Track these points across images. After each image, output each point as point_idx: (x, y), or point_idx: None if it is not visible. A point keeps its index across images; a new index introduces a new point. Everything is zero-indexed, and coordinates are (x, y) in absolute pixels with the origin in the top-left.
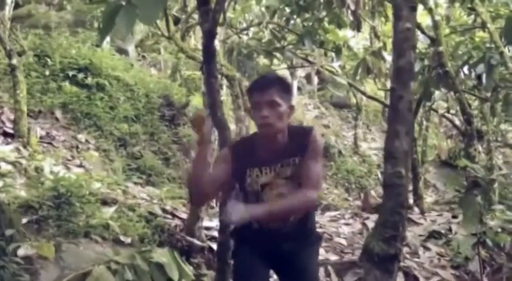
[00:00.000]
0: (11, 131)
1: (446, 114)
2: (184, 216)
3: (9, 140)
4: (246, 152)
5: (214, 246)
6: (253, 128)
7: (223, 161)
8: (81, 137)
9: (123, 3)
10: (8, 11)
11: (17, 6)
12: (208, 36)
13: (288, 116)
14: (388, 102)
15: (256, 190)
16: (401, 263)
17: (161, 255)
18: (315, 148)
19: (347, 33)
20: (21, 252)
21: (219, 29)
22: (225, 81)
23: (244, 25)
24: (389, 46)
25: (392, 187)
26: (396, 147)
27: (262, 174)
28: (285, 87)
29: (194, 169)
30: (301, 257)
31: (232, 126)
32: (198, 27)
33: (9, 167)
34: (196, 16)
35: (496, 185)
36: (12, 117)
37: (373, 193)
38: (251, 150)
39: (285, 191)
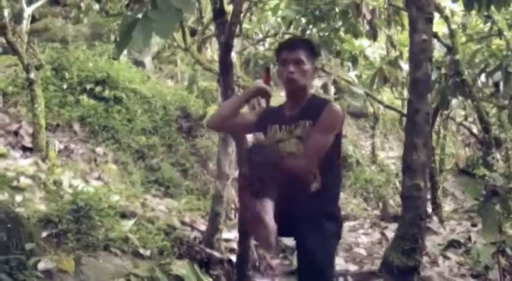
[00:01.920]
0: (30, 145)
1: (464, 122)
2: (203, 228)
3: (28, 154)
4: (271, 113)
5: (234, 258)
6: None
7: (254, 115)
8: (100, 150)
9: (140, 16)
10: (26, 25)
11: (33, 20)
12: (225, 49)
13: (312, 76)
14: (405, 111)
15: (273, 144)
16: (421, 273)
17: (180, 267)
18: (327, 119)
19: (363, 42)
20: (41, 266)
21: (235, 41)
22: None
23: (261, 36)
24: (406, 55)
25: (410, 199)
26: (414, 159)
27: (279, 131)
28: (311, 49)
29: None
30: (312, 240)
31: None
32: (214, 39)
33: (29, 181)
34: (212, 27)
35: None
36: (30, 131)
37: (391, 202)
38: (276, 112)
39: (294, 150)
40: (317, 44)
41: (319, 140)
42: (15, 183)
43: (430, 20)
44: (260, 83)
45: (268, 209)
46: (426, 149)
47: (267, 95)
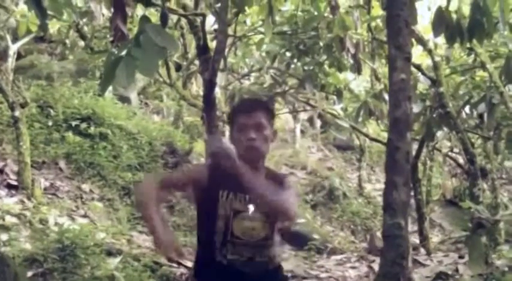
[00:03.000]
0: (15, 183)
1: (449, 153)
2: (189, 264)
3: (14, 192)
4: (222, 174)
5: None
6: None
7: (197, 172)
8: (85, 187)
9: (123, 54)
10: (11, 62)
11: (19, 56)
12: (209, 86)
13: (272, 141)
14: None
15: (228, 215)
16: None
17: None
18: (291, 191)
19: (348, 76)
20: None
21: (220, 75)
22: (227, 128)
23: (246, 70)
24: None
25: (392, 238)
26: (395, 198)
27: (236, 199)
28: (270, 111)
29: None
30: None
31: None
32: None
33: (14, 220)
34: (197, 62)
35: (501, 224)
36: (16, 169)
37: (379, 234)
38: (227, 174)
39: (256, 226)
40: (302, 78)
41: (293, 202)
42: (0, 222)
43: (408, 59)
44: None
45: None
46: (406, 188)
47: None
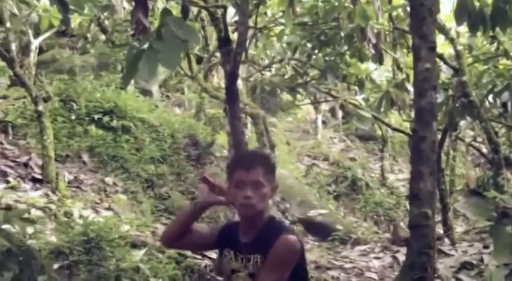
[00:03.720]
0: (40, 177)
1: (473, 143)
2: (213, 256)
3: (38, 185)
4: (228, 233)
5: None
6: (281, 162)
7: (212, 231)
8: (109, 180)
9: (145, 48)
10: (33, 57)
11: (41, 51)
12: (231, 78)
13: (270, 198)
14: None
15: (228, 273)
16: None
17: None
18: (279, 254)
19: (369, 66)
20: None
21: (241, 67)
22: (249, 119)
23: (267, 62)
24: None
25: (418, 228)
26: (421, 188)
27: (234, 259)
28: (270, 167)
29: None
30: None
31: None
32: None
33: (39, 213)
34: (218, 54)
35: None
36: (40, 162)
37: (402, 224)
38: (233, 232)
39: None
40: (323, 69)
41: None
42: (26, 215)
43: (432, 49)
44: (204, 197)
45: None
46: (433, 178)
47: (218, 205)
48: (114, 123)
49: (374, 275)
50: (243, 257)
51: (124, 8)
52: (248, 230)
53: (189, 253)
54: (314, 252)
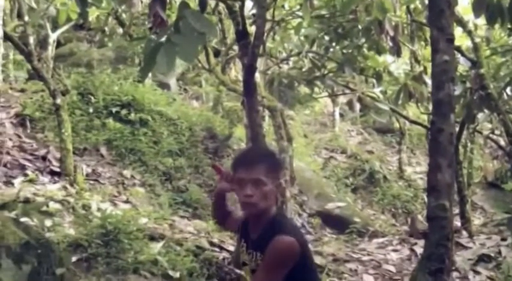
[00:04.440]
0: (58, 170)
1: (491, 135)
2: (231, 248)
3: (56, 178)
4: (246, 227)
5: None
6: (299, 155)
7: (236, 223)
8: (127, 173)
9: (163, 41)
10: (51, 50)
11: (58, 45)
12: (249, 71)
13: (275, 195)
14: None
15: (243, 262)
16: None
17: None
18: (272, 255)
19: (387, 58)
20: None
21: (258, 60)
22: (266, 112)
23: (284, 55)
24: (430, 70)
25: (436, 220)
26: (439, 180)
27: (245, 252)
28: (273, 165)
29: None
30: None
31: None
32: (238, 59)
33: (58, 206)
34: (236, 47)
35: None
36: (58, 156)
37: (420, 217)
38: (248, 227)
39: None
40: (341, 62)
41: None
42: (44, 208)
43: (451, 41)
44: (220, 184)
45: None
46: (451, 170)
47: (229, 192)
48: (132, 116)
49: (392, 268)
50: (250, 252)
51: (142, 1)
52: (256, 226)
53: (206, 245)
54: (332, 245)
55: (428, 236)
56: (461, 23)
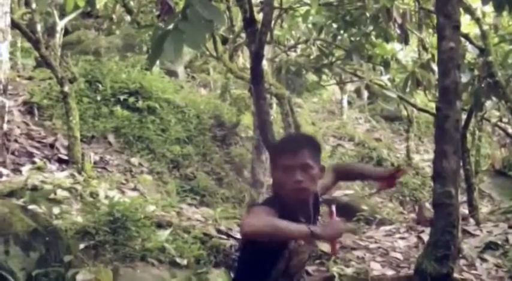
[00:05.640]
0: (66, 157)
1: (499, 123)
2: (239, 236)
3: (64, 166)
4: (287, 213)
5: None
6: None
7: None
8: (134, 160)
9: (170, 28)
10: (59, 38)
11: (66, 32)
12: (256, 58)
13: (320, 178)
14: None
15: (287, 256)
16: (459, 276)
17: (217, 276)
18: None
19: (395, 46)
20: (79, 278)
21: (266, 47)
22: (274, 100)
23: (292, 42)
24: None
25: (442, 207)
26: (444, 167)
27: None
28: (316, 148)
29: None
30: None
31: None
32: (246, 46)
33: (65, 193)
34: (244, 35)
35: None
36: (66, 143)
37: (427, 205)
38: (290, 212)
39: (306, 257)
40: (349, 49)
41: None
42: (52, 196)
43: (457, 28)
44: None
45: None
46: (456, 156)
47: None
48: (140, 104)
49: (399, 255)
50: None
51: None
52: (305, 208)
53: (214, 233)
54: None
55: (434, 223)
56: (469, 11)
